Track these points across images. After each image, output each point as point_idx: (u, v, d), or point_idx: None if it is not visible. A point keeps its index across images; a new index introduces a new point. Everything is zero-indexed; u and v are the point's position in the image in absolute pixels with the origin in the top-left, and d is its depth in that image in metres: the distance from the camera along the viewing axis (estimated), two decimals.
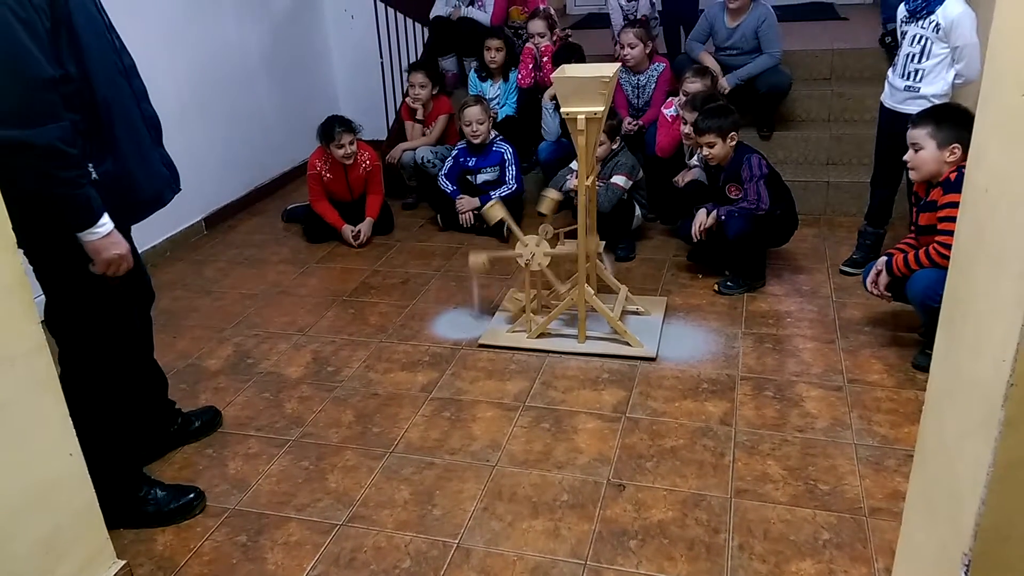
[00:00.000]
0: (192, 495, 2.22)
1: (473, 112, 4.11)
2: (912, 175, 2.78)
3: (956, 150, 2.61)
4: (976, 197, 1.26)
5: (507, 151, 4.22)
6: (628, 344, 2.94)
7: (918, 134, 2.69)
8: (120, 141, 1.90)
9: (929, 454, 1.46)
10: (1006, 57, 1.16)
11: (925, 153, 2.67)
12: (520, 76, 4.50)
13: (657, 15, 4.72)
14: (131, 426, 2.19)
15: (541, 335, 3.04)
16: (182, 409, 2.54)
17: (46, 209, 1.78)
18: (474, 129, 4.12)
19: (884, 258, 2.80)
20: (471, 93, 4.64)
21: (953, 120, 2.64)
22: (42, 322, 1.68)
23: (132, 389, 2.21)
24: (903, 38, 3.17)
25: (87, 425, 2.03)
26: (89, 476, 1.82)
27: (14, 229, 1.68)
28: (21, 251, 1.86)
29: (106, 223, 1.85)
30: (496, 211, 3.04)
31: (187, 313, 3.44)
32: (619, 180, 3.67)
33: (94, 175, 1.84)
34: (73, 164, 1.76)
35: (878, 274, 2.79)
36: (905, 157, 2.76)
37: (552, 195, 3.07)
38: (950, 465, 1.29)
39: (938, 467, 1.38)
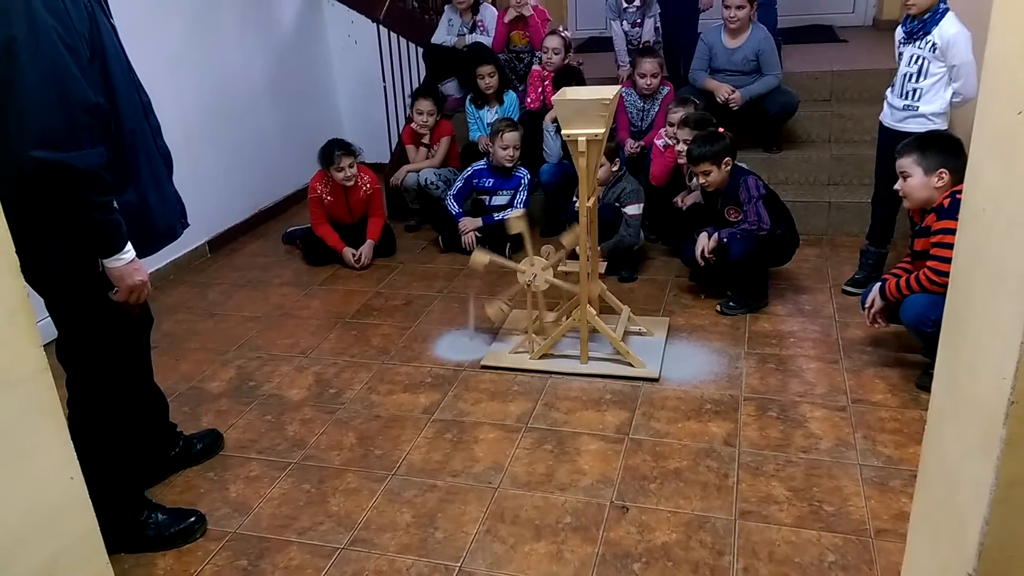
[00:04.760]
0: (193, 519, 2.21)
1: (513, 137, 4.14)
2: (905, 203, 2.81)
3: (943, 175, 2.64)
4: (973, 216, 1.26)
5: (526, 177, 4.26)
6: (631, 365, 2.93)
7: (905, 163, 2.72)
8: (141, 173, 1.96)
9: (932, 474, 1.45)
10: (1001, 77, 1.17)
11: (913, 180, 2.70)
12: (529, 100, 4.53)
13: (660, 39, 4.75)
14: (133, 450, 2.19)
15: (544, 356, 3.04)
16: (183, 432, 2.54)
17: (76, 234, 1.83)
18: (511, 154, 4.15)
19: (878, 283, 2.82)
20: (470, 121, 4.67)
21: (938, 146, 2.69)
22: (46, 345, 1.69)
23: (135, 413, 2.21)
24: (900, 59, 3.19)
25: (90, 449, 2.04)
26: (90, 500, 1.81)
27: (34, 263, 1.71)
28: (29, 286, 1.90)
29: (131, 250, 1.90)
30: (480, 258, 3.03)
31: (190, 336, 3.45)
32: (634, 210, 3.71)
33: (115, 204, 1.88)
34: (108, 190, 1.81)
35: (873, 301, 2.81)
36: (896, 186, 2.79)
37: (515, 214, 3.13)
38: (953, 485, 1.28)
39: (941, 487, 1.38)
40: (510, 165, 4.19)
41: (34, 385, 1.67)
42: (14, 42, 1.62)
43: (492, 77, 4.53)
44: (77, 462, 1.79)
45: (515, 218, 3.04)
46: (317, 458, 2.53)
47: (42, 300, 1.95)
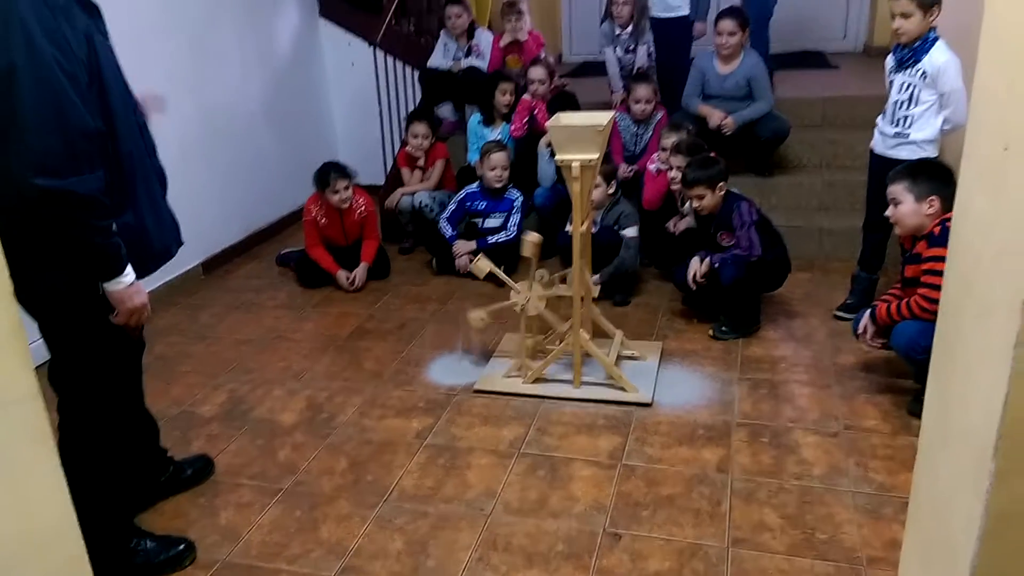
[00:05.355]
0: (182, 546, 2.19)
1: (500, 158, 4.19)
2: (896, 230, 2.83)
3: (934, 202, 2.67)
4: (962, 247, 1.28)
5: (518, 199, 4.29)
6: (624, 389, 2.93)
7: (896, 189, 2.75)
8: (139, 194, 1.96)
9: (923, 504, 1.45)
10: (988, 112, 1.19)
11: (904, 207, 2.73)
12: (513, 127, 4.56)
13: (654, 64, 4.80)
14: (123, 476, 2.18)
15: (536, 380, 3.04)
16: (174, 457, 2.52)
17: (76, 259, 1.83)
18: (499, 174, 4.19)
19: (870, 309, 2.83)
20: (472, 139, 4.70)
21: (928, 174, 2.72)
22: (36, 368, 1.68)
23: (126, 438, 2.20)
24: (891, 87, 3.23)
25: (80, 474, 2.02)
26: (79, 527, 1.80)
27: (33, 287, 1.73)
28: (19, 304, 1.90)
29: (131, 273, 1.90)
30: (483, 265, 3.06)
31: (182, 359, 3.43)
32: (632, 232, 3.73)
33: (115, 227, 1.88)
34: (108, 214, 1.82)
35: (865, 327, 2.84)
36: (886, 213, 2.82)
37: (532, 238, 3.05)
38: (944, 516, 1.29)
39: (932, 517, 1.38)
40: (499, 186, 4.21)
41: (25, 410, 1.66)
42: (14, 71, 1.63)
43: (512, 95, 4.58)
44: (67, 488, 1.77)
45: (477, 264, 3.06)
46: (308, 484, 2.52)
47: (32, 322, 1.95)
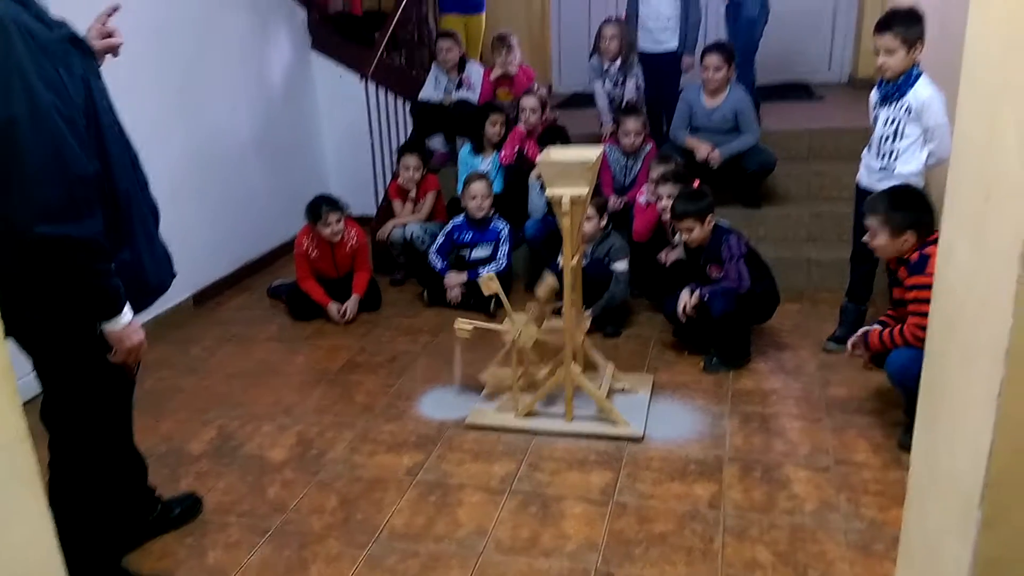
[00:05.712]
0: None
1: (479, 187, 4.22)
2: (877, 253, 2.90)
3: (909, 238, 2.73)
4: (946, 291, 1.29)
5: (504, 229, 4.31)
6: (615, 423, 2.93)
7: (873, 223, 2.83)
8: (135, 231, 1.98)
9: (913, 546, 1.45)
10: (968, 162, 1.21)
11: (879, 240, 2.80)
12: (503, 154, 4.60)
13: (643, 97, 4.86)
14: (111, 516, 2.16)
15: (528, 414, 3.03)
16: (162, 496, 2.50)
17: (75, 300, 1.84)
18: (479, 203, 4.21)
19: (863, 330, 2.87)
20: (462, 168, 4.74)
21: (906, 207, 2.77)
22: (28, 402, 1.67)
23: (115, 477, 2.19)
24: (875, 121, 3.28)
25: (69, 514, 2.02)
26: (65, 570, 1.77)
27: (31, 326, 1.77)
28: (14, 340, 1.91)
29: (129, 312, 1.91)
30: (493, 284, 3.05)
31: (172, 394, 3.41)
32: (623, 265, 3.76)
33: (113, 267, 1.89)
34: (108, 256, 1.83)
35: (855, 346, 2.89)
36: (864, 239, 2.87)
37: (551, 281, 3.05)
38: (933, 559, 1.29)
39: (922, 560, 1.38)
40: (481, 215, 4.24)
41: (13, 453, 1.65)
42: (14, 121, 1.65)
43: (502, 126, 4.62)
44: (54, 532, 1.76)
45: (488, 279, 3.06)
46: (298, 522, 2.50)
47: (22, 356, 1.95)
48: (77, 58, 1.82)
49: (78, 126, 1.75)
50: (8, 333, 1.89)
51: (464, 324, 3.07)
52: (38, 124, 1.66)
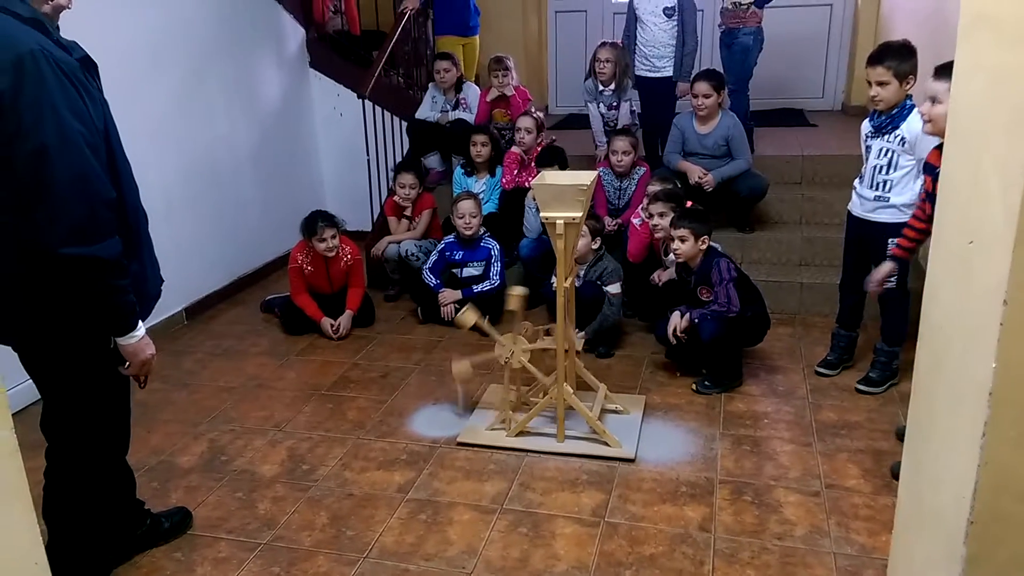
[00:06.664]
0: None
1: (467, 205, 4.24)
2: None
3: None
4: (933, 331, 1.31)
5: (494, 247, 4.33)
6: (607, 444, 2.93)
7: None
8: (142, 243, 2.05)
9: None
10: (953, 207, 1.23)
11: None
12: (504, 180, 4.63)
13: (637, 122, 4.90)
14: (102, 529, 2.16)
15: (520, 433, 3.03)
16: (151, 510, 2.48)
17: (93, 317, 1.91)
18: (467, 222, 4.23)
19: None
20: (456, 189, 4.76)
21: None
22: (16, 413, 1.67)
23: (108, 490, 2.20)
24: (868, 152, 3.32)
25: (61, 525, 2.03)
26: None
27: (48, 341, 1.87)
28: (19, 352, 1.94)
29: (142, 327, 1.98)
30: (469, 317, 3.08)
31: (163, 407, 3.40)
32: (615, 289, 3.78)
33: (128, 284, 1.95)
34: (126, 273, 1.91)
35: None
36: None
37: (517, 291, 3.08)
38: None
39: None
40: (469, 233, 4.27)
41: (2, 468, 1.64)
42: (46, 151, 1.73)
43: (485, 147, 4.65)
44: (43, 548, 1.75)
45: (463, 315, 3.10)
46: (287, 539, 2.49)
47: (15, 364, 1.97)
48: (94, 86, 1.90)
49: (100, 151, 1.84)
50: (16, 347, 1.95)
51: (462, 368, 3.10)
52: (66, 152, 1.74)
